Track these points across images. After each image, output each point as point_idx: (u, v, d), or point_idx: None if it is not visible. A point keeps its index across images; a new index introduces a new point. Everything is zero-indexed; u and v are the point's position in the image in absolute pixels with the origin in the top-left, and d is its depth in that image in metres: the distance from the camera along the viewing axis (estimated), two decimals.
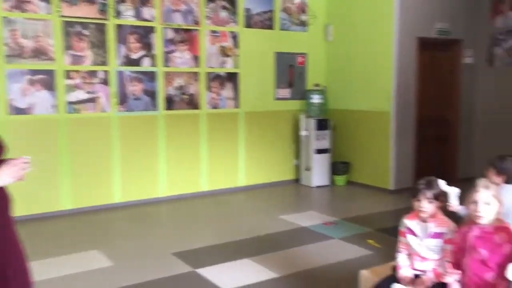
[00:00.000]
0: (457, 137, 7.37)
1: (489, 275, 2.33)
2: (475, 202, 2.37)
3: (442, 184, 3.14)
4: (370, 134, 7.00)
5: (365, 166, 7.12)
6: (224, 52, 6.80)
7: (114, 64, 6.03)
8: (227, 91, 6.88)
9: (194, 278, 3.94)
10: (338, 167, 7.30)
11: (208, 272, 4.03)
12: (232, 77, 6.90)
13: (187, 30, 6.50)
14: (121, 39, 6.05)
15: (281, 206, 6.18)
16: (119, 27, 6.03)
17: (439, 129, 7.23)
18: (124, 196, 6.22)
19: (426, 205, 2.61)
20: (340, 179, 7.30)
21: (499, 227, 2.36)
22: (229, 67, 6.86)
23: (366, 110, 7.02)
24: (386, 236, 4.82)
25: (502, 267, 2.29)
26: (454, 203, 3.05)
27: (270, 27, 7.16)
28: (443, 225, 2.62)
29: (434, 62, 7.06)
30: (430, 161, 7.00)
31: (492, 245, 2.34)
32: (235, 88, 6.93)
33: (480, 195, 2.36)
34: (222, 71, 6.81)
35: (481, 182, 2.41)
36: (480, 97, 7.34)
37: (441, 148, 7.28)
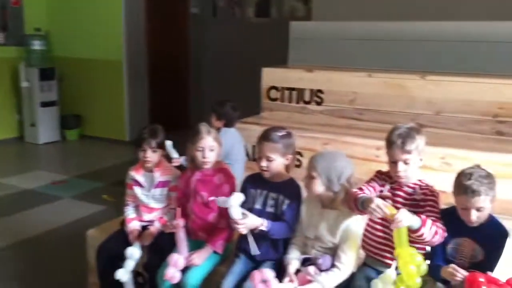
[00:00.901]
0: (188, 85, 7.63)
1: (211, 216, 2.41)
2: (201, 149, 2.37)
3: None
4: (102, 84, 6.63)
5: (98, 118, 6.76)
6: None
7: None
8: None
9: None
10: (69, 121, 6.74)
11: None
12: None
13: None
14: None
15: (0, 168, 5.38)
16: None
17: (172, 77, 7.34)
18: None
19: (151, 155, 2.53)
20: (72, 134, 6.78)
21: (218, 169, 2.44)
22: None
23: (96, 59, 6.58)
24: (122, 189, 4.66)
25: (221, 207, 2.39)
26: (175, 156, 3.07)
27: None
28: (168, 173, 2.58)
29: (164, 11, 7.02)
30: (164, 109, 7.07)
31: (212, 187, 2.41)
32: None
33: (204, 141, 2.37)
34: None
35: (203, 128, 2.41)
36: (208, 46, 7.69)
37: (174, 96, 7.43)
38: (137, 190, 2.61)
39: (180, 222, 2.37)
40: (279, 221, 2.20)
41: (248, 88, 6.21)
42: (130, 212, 2.64)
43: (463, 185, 1.86)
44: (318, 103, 4.07)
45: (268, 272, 2.04)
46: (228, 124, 3.39)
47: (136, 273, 2.59)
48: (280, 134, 2.24)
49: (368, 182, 2.16)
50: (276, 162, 2.22)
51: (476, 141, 3.35)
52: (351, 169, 2.09)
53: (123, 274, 2.42)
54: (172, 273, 2.26)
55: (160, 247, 2.47)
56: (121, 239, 2.54)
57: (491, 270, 1.87)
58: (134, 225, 2.58)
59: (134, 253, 2.44)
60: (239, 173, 3.39)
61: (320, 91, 4.05)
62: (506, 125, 3.39)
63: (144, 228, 2.58)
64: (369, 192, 2.09)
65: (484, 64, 3.67)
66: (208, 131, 2.40)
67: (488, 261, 1.90)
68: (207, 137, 2.37)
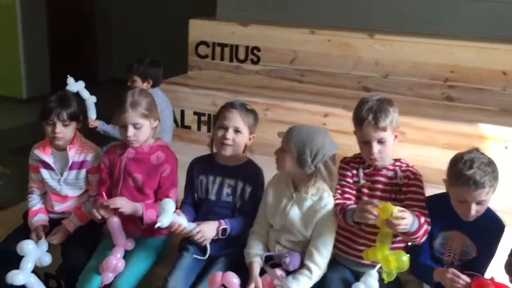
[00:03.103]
0: (96, 33, 6.75)
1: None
2: (123, 124, 1.87)
3: (80, 87, 2.63)
4: None
5: None
6: None
7: None
8: None
9: None
10: None
11: None
12: None
13: None
14: None
15: None
16: None
17: (76, 25, 6.43)
18: None
19: (62, 130, 1.96)
20: None
21: (156, 146, 1.96)
22: None
23: None
24: (20, 158, 3.95)
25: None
26: (92, 117, 2.63)
27: None
28: (86, 151, 2.04)
29: None
30: (68, 62, 6.15)
31: (148, 168, 1.92)
32: None
33: (126, 117, 1.85)
34: None
35: (128, 98, 1.86)
36: None
37: (79, 47, 6.53)
38: (45, 173, 2.05)
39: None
40: (239, 217, 1.83)
41: (168, 43, 5.60)
42: (35, 202, 2.08)
43: (464, 174, 1.53)
44: (254, 62, 3.65)
45: (232, 277, 1.66)
46: (155, 84, 2.85)
47: (46, 276, 2.08)
48: (250, 107, 1.88)
49: (338, 181, 1.79)
50: (243, 137, 1.83)
51: (426, 107, 3.14)
52: (332, 151, 1.69)
53: (16, 277, 1.82)
54: (111, 279, 1.81)
55: (79, 245, 1.96)
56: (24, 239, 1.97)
57: (485, 269, 1.62)
58: (39, 220, 2.02)
59: (28, 247, 1.86)
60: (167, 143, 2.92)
61: (256, 48, 3.62)
62: (456, 90, 3.20)
63: (54, 222, 2.04)
64: (350, 190, 1.76)
65: (436, 24, 3.41)
66: (134, 104, 1.86)
67: (482, 259, 1.65)
68: (130, 113, 1.85)
